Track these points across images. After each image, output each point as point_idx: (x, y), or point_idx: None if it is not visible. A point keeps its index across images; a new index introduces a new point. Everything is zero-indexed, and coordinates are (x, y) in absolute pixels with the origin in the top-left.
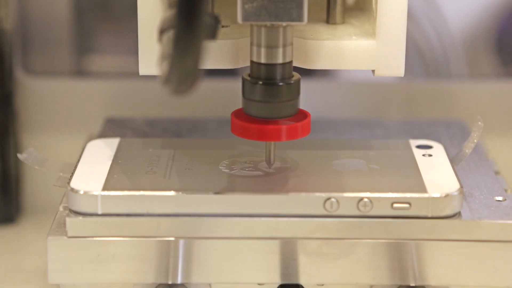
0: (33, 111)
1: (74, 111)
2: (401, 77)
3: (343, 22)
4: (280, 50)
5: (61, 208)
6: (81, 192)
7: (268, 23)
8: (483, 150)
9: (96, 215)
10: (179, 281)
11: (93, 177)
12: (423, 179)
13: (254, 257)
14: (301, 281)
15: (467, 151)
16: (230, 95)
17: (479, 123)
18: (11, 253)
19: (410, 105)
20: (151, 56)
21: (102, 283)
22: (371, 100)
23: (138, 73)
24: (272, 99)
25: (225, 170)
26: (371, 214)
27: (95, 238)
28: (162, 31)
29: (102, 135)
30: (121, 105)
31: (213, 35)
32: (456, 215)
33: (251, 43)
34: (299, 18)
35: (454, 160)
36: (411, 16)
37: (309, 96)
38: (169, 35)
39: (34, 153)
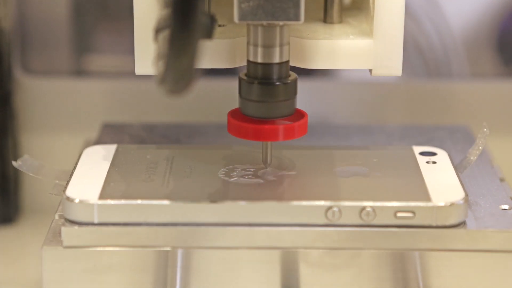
0: (32, 111)
1: (73, 110)
2: (401, 77)
3: (340, 22)
4: (277, 50)
5: (56, 217)
6: (77, 201)
7: (264, 23)
8: (488, 156)
9: (92, 224)
10: None
11: (89, 185)
12: (427, 187)
13: (254, 267)
14: None
15: (472, 158)
16: (229, 96)
17: (485, 129)
18: (9, 254)
19: (410, 105)
20: (147, 56)
21: None
22: (371, 100)
23: None
24: (269, 98)
25: (225, 177)
26: (374, 223)
27: (91, 248)
28: (157, 31)
29: (99, 141)
30: (120, 105)
31: (209, 35)
32: (461, 224)
33: (248, 43)
34: (296, 18)
35: (458, 168)
36: (412, 16)
37: (308, 97)
38: (165, 34)
39: (30, 160)
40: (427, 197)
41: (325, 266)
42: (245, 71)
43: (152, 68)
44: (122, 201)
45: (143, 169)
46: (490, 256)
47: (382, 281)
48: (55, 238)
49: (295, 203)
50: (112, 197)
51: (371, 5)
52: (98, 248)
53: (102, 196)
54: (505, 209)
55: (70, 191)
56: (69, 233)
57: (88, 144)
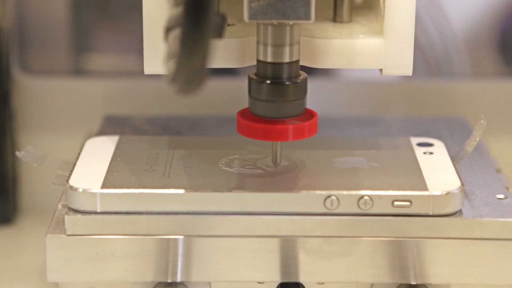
0: (31, 110)
1: (71, 110)
2: (402, 77)
3: (350, 21)
4: (287, 49)
5: (59, 206)
6: (80, 190)
7: (275, 22)
8: (484, 148)
9: (95, 213)
10: (178, 279)
11: (92, 175)
12: (424, 177)
13: (254, 255)
14: (301, 280)
15: (468, 149)
16: (229, 93)
17: (482, 121)
18: (8, 254)
19: (412, 104)
20: (156, 55)
21: (101, 281)
22: (373, 99)
23: (136, 71)
24: (278, 98)
25: (225, 168)
26: (371, 212)
27: (94, 236)
28: (168, 30)
29: (101, 133)
30: (119, 104)
31: (219, 34)
32: (457, 213)
33: (258, 42)
34: (307, 17)
35: (455, 158)
36: None
37: (311, 95)
38: (176, 33)
39: (32, 151)
40: (423, 187)
41: (323, 254)
42: (254, 70)
43: (162, 68)
44: (125, 190)
45: (145, 159)
46: (485, 244)
47: (379, 269)
48: (58, 226)
49: (295, 192)
50: (114, 186)
51: (381, 4)
52: (101, 236)
53: (104, 185)
54: (500, 199)
55: (74, 181)
56: (72, 222)
57: (90, 135)
